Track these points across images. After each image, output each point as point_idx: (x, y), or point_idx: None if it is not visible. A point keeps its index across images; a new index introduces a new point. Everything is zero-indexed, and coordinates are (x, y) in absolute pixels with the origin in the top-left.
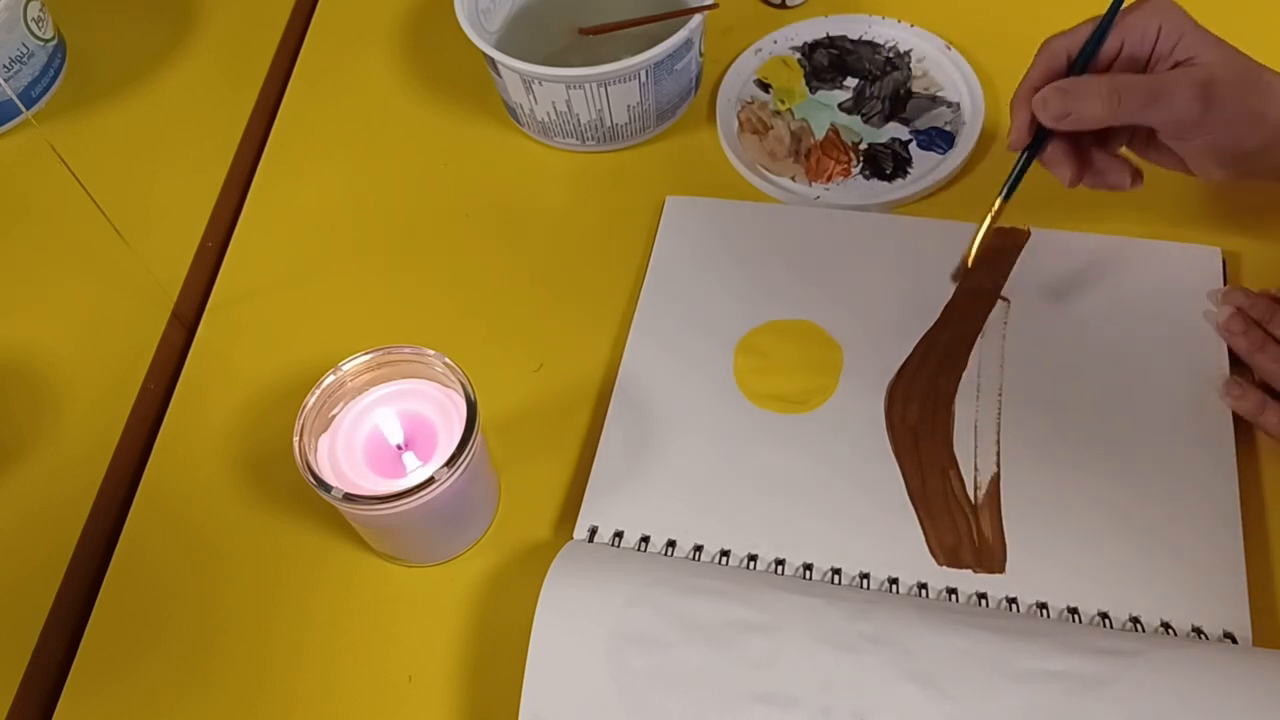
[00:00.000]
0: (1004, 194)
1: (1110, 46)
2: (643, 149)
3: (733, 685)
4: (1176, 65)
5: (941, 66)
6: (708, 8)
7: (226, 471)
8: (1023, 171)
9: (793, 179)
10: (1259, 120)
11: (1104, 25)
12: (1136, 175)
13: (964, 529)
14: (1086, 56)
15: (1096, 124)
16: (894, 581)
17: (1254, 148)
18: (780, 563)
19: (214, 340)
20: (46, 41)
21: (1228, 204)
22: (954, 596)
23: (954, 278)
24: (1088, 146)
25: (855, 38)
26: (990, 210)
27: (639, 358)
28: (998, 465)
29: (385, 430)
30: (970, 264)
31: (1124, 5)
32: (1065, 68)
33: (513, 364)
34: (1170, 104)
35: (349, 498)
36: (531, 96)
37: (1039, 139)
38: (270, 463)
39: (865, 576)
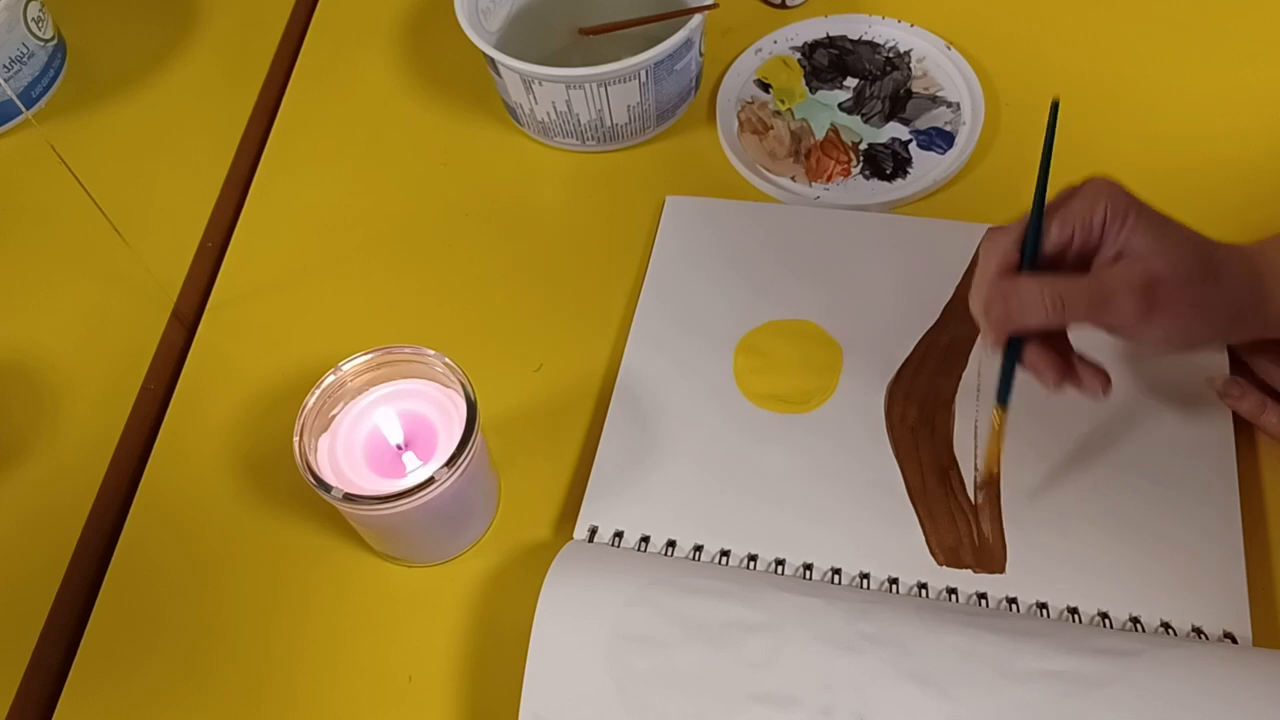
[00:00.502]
0: (1000, 401)
1: (1061, 235)
2: (643, 149)
3: (733, 685)
4: (1120, 255)
5: (941, 66)
6: (708, 8)
7: (226, 471)
8: (1011, 373)
9: (793, 179)
10: (1209, 313)
11: (1034, 221)
12: (1107, 384)
13: (964, 529)
14: (1031, 253)
15: (1040, 329)
16: (894, 581)
17: (1207, 338)
18: (780, 563)
19: (214, 340)
20: (46, 41)
21: (1228, 204)
22: (954, 596)
23: (978, 488)
24: (1064, 344)
25: (855, 38)
26: (993, 421)
27: (639, 357)
28: (998, 465)
29: (385, 430)
30: (992, 475)
31: (1064, 190)
32: (1017, 261)
33: (513, 364)
34: (1113, 311)
35: (349, 498)
36: (531, 96)
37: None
38: (270, 463)
39: (865, 576)
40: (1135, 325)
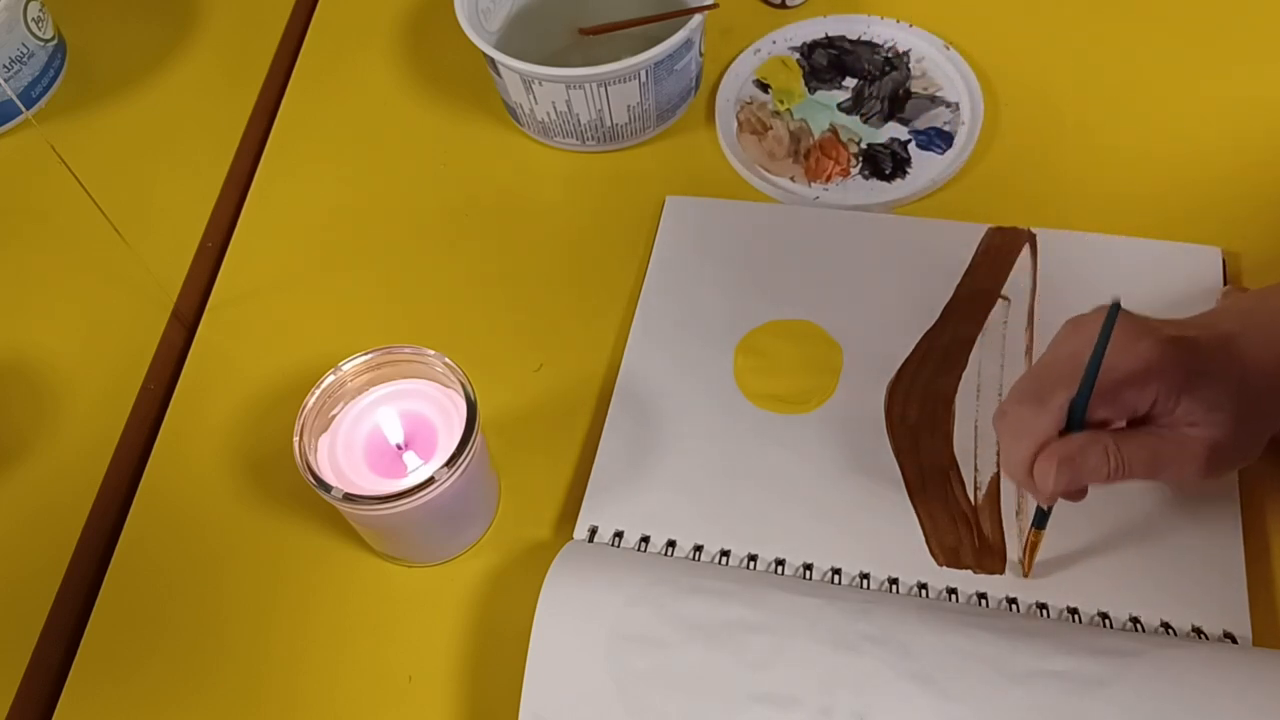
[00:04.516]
0: (1038, 526)
1: (1107, 414)
2: (643, 149)
3: (733, 685)
4: (1172, 421)
5: (940, 66)
6: (708, 8)
7: (226, 471)
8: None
9: (792, 179)
10: (1257, 448)
11: (1082, 403)
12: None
13: (964, 529)
14: (1078, 419)
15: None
16: (894, 581)
17: (1252, 460)
18: (780, 563)
19: (214, 340)
20: (46, 41)
21: (1228, 204)
22: (954, 596)
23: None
24: None
25: (854, 38)
26: (1031, 539)
27: (639, 357)
28: (998, 465)
29: (385, 430)
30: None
31: (1119, 366)
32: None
33: (513, 364)
34: (1175, 473)
35: (349, 498)
36: (531, 96)
37: None
38: (270, 463)
39: (865, 576)
40: (1191, 482)
